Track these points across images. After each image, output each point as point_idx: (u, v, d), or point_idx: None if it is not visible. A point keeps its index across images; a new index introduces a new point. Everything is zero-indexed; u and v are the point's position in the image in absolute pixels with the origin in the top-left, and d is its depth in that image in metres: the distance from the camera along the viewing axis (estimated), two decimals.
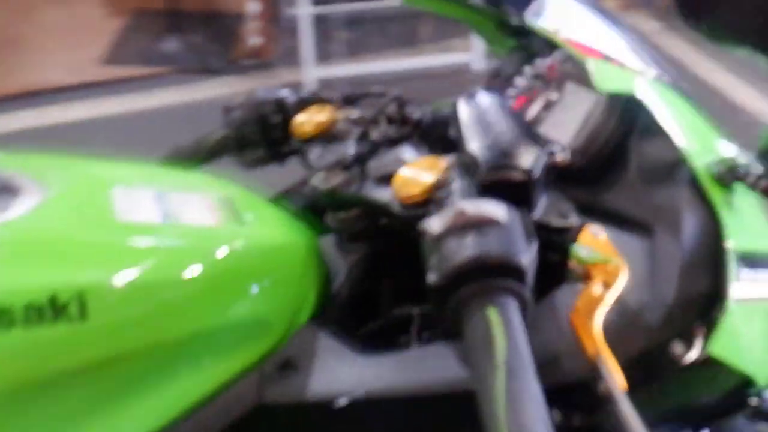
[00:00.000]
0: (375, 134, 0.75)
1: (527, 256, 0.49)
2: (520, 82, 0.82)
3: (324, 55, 3.36)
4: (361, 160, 0.71)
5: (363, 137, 0.76)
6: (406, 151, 0.70)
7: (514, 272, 0.48)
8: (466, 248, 0.49)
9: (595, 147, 0.68)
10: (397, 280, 0.76)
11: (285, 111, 0.87)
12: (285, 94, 0.88)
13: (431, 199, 0.60)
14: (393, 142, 0.74)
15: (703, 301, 0.59)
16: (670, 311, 0.58)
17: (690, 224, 0.61)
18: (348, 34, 3.54)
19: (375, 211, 0.68)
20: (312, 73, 3.33)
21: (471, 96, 0.63)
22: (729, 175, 0.63)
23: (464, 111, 0.61)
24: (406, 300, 0.75)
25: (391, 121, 0.74)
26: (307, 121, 0.82)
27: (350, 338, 0.67)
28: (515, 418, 0.41)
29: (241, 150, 0.90)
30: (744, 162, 0.63)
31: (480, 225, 0.50)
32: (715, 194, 0.62)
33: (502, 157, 0.55)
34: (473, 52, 3.55)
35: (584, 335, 0.50)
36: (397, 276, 0.76)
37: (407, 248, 0.77)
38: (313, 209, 0.84)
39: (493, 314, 0.46)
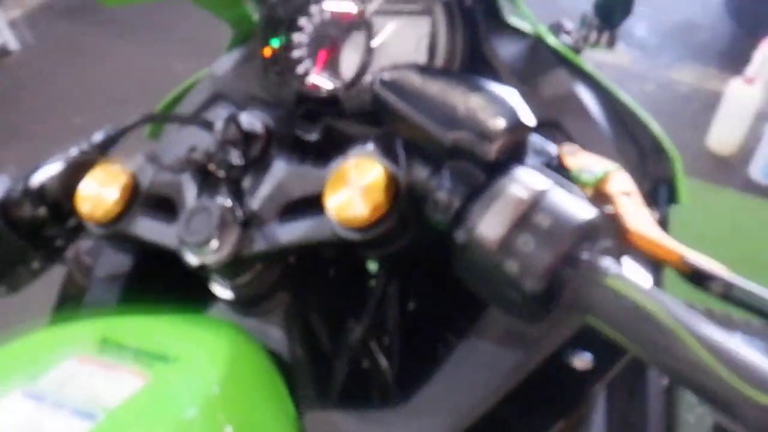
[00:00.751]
0: (220, 171, 0.57)
1: (590, 205, 0.44)
2: (302, 38, 0.70)
3: None
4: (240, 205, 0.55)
5: (206, 180, 0.58)
6: (284, 170, 0.56)
7: (595, 230, 0.43)
8: (551, 236, 0.41)
9: (456, 63, 0.62)
10: (328, 310, 0.64)
11: (47, 197, 0.62)
12: (30, 179, 0.62)
13: (394, 208, 0.50)
14: (245, 168, 0.58)
15: (650, 160, 0.61)
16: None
17: (591, 102, 0.61)
18: None
19: (316, 250, 0.54)
20: None
21: (389, 80, 0.51)
22: (578, 43, 0.64)
23: (397, 100, 0.50)
24: (344, 324, 0.65)
25: (235, 145, 0.57)
26: (98, 199, 0.59)
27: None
28: (727, 356, 0.37)
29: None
30: (578, 26, 0.65)
31: (540, 203, 0.42)
32: (584, 65, 0.63)
33: (492, 121, 0.46)
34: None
35: (657, 249, 0.48)
36: (328, 306, 0.63)
37: (334, 272, 0.65)
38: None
39: (613, 283, 0.41)
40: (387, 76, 0.52)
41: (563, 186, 0.44)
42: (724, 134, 2.53)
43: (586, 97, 0.62)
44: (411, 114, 0.49)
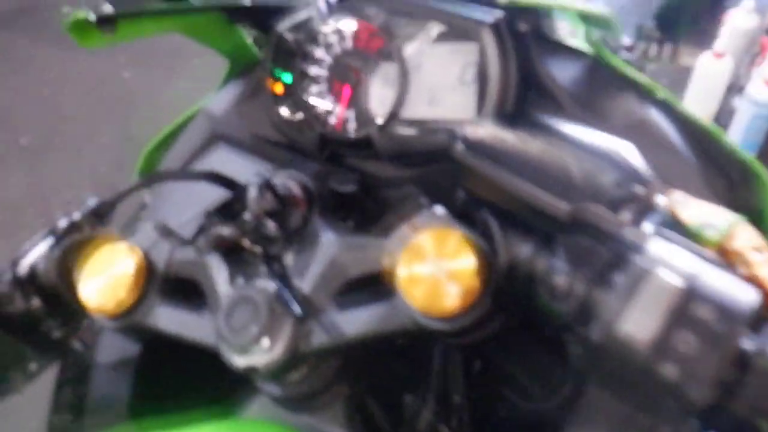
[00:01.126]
0: (256, 247, 0.48)
1: (748, 284, 0.36)
2: (319, 71, 0.61)
3: None
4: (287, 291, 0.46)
5: (238, 259, 0.48)
6: (333, 242, 0.47)
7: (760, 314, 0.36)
8: (717, 332, 0.34)
9: (510, 94, 0.54)
10: (382, 387, 0.55)
11: (40, 285, 0.52)
12: (17, 266, 0.52)
13: (488, 291, 0.41)
14: (285, 241, 0.48)
15: (741, 191, 0.54)
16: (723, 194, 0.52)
17: (668, 128, 0.54)
18: None
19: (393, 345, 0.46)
20: None
21: (473, 141, 0.42)
22: (641, 60, 0.57)
23: (493, 167, 0.41)
24: (400, 399, 0.57)
25: (272, 216, 0.47)
26: (107, 288, 0.49)
27: None
28: None
29: None
30: (634, 39, 0.57)
31: (696, 291, 0.35)
32: (651, 82, 0.55)
33: (618, 186, 0.38)
34: None
35: None
36: (381, 382, 0.55)
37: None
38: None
39: None
40: (470, 135, 0.43)
41: (712, 262, 0.36)
42: (696, 109, 2.50)
43: (662, 122, 0.54)
44: (515, 184, 0.40)
